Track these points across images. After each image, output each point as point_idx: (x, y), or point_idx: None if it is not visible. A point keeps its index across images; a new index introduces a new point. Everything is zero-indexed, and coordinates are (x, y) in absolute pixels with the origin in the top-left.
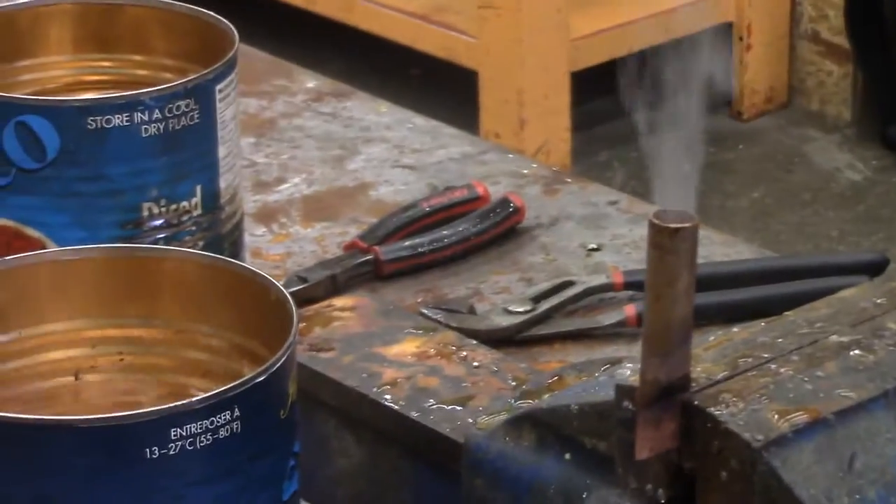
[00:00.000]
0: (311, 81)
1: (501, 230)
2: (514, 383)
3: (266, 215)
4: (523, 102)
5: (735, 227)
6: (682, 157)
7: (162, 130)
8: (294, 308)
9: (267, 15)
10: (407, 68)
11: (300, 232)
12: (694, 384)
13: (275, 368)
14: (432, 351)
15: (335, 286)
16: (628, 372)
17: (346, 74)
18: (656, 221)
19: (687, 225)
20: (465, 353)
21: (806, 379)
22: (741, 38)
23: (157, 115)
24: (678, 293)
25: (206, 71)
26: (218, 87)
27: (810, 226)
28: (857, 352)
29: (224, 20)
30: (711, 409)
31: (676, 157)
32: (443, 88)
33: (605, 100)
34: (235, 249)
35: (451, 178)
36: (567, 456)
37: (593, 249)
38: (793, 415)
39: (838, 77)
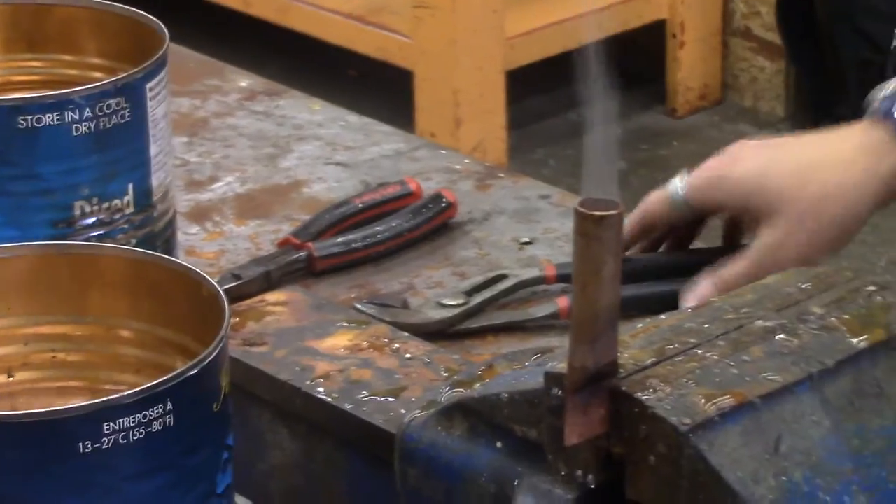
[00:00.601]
0: (243, 81)
1: (434, 225)
2: (446, 374)
3: (200, 214)
4: (459, 102)
5: None
6: (617, 154)
7: (93, 129)
8: (226, 303)
9: (204, 18)
10: (344, 69)
11: (234, 230)
12: (622, 370)
13: (206, 362)
14: (365, 344)
15: (269, 283)
16: (558, 360)
17: (284, 76)
18: (581, 209)
19: (611, 212)
20: (397, 346)
21: (732, 363)
22: (674, 36)
23: (87, 113)
24: (604, 280)
25: (136, 69)
26: (148, 85)
27: None
28: (781, 336)
29: (154, 19)
30: (639, 395)
31: (611, 154)
32: (380, 89)
33: (542, 98)
34: (168, 247)
35: (384, 174)
36: (498, 444)
37: (526, 243)
38: (719, 399)
39: (771, 73)
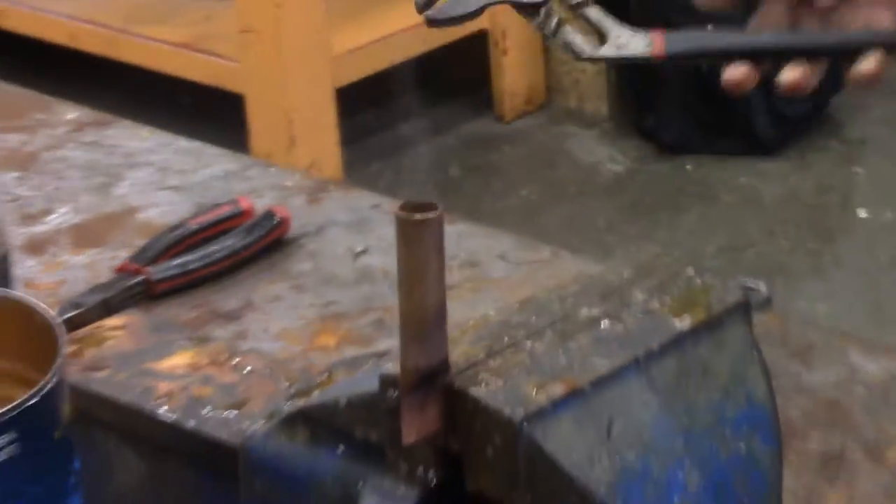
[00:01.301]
0: (70, 113)
1: (268, 241)
2: (287, 384)
3: (35, 246)
4: (291, 121)
5: (507, 224)
6: (450, 161)
7: None
8: (61, 330)
9: (31, 54)
10: (178, 97)
11: (71, 260)
12: (454, 367)
13: (46, 390)
14: (205, 361)
15: (108, 309)
16: (391, 363)
17: (116, 107)
18: (401, 214)
19: (431, 215)
20: (236, 360)
21: (560, 352)
22: (497, 44)
23: None
24: (429, 281)
25: None
26: None
27: (578, 218)
28: (606, 323)
29: None
30: (471, 390)
31: (444, 162)
32: (214, 114)
33: (373, 112)
34: (4, 282)
35: (217, 195)
36: (340, 448)
37: (360, 252)
38: (549, 387)
39: (593, 74)
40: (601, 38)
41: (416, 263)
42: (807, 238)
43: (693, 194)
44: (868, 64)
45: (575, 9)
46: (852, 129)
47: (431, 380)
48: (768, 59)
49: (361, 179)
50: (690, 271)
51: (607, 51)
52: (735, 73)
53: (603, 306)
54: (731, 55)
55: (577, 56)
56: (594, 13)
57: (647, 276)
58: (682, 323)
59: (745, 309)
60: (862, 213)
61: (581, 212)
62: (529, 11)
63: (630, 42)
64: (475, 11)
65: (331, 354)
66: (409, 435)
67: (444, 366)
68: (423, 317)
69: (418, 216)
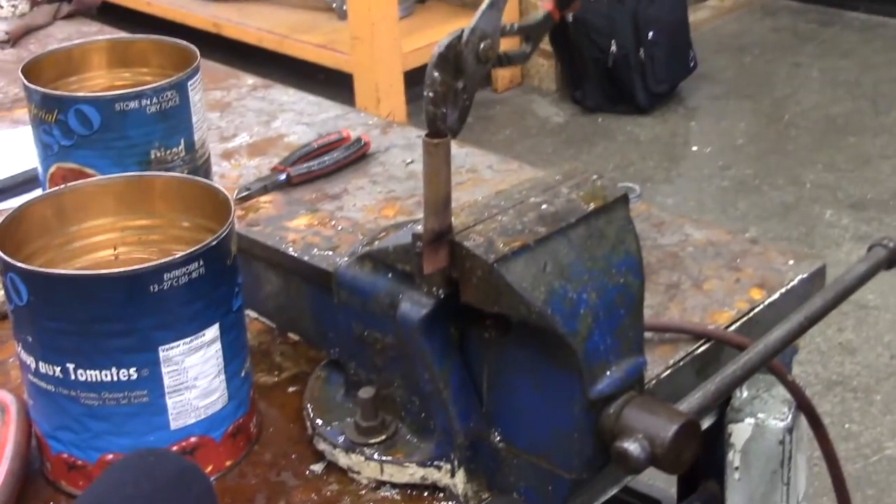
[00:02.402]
0: (250, 80)
1: (357, 155)
2: (361, 237)
3: (227, 155)
4: (378, 89)
5: (495, 149)
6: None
7: (159, 109)
8: (232, 202)
9: (237, 52)
10: (315, 74)
11: (247, 163)
12: (455, 230)
13: (220, 237)
14: (316, 222)
15: (266, 192)
16: (419, 226)
17: (277, 79)
18: (425, 139)
19: (441, 140)
20: (334, 222)
21: (517, 223)
22: None
23: (155, 100)
24: (441, 180)
25: (181, 74)
26: (189, 83)
27: (536, 147)
28: (545, 206)
29: (191, 45)
30: (465, 243)
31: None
32: (336, 84)
33: (419, 88)
34: (206, 174)
35: (329, 128)
36: (389, 275)
37: (410, 162)
38: (510, 243)
39: (548, 67)
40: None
41: (435, 168)
42: (663, 161)
43: (601, 135)
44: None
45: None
46: (690, 100)
47: (441, 237)
48: None
49: (418, 123)
50: (595, 177)
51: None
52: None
53: (543, 196)
54: None
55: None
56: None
57: (569, 179)
58: (589, 207)
59: (625, 199)
60: (693, 148)
61: (538, 144)
62: None
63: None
64: None
65: (389, 221)
66: (427, 268)
67: (448, 229)
68: (436, 200)
69: (435, 140)
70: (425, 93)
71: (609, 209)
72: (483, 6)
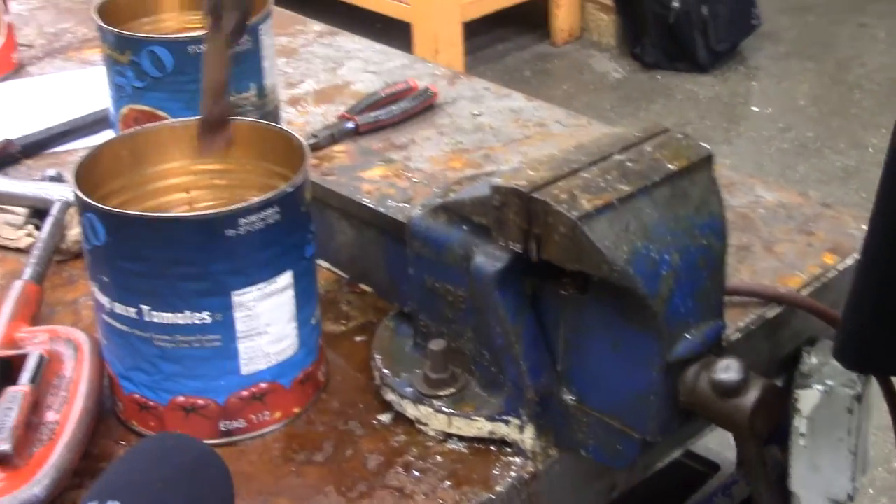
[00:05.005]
0: (317, 27)
1: (424, 105)
2: (436, 189)
3: (293, 101)
4: (437, 39)
5: (556, 104)
6: (524, 67)
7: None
8: (307, 150)
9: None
10: (373, 23)
11: (313, 110)
12: (535, 185)
13: (296, 184)
14: (390, 173)
15: (334, 139)
16: (498, 179)
17: (342, 26)
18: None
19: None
20: (409, 174)
21: (600, 180)
22: (554, 1)
23: None
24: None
25: (254, 19)
26: (260, 27)
27: (594, 103)
28: (629, 164)
29: None
30: (547, 199)
31: (521, 67)
32: (394, 33)
33: (482, 37)
34: (275, 119)
35: (397, 77)
36: (465, 228)
37: (477, 114)
38: (594, 200)
39: (608, 21)
40: None
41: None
42: (721, 121)
43: (660, 93)
44: None
45: None
46: (752, 60)
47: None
48: None
49: (477, 75)
50: (679, 135)
51: None
52: None
53: (626, 153)
54: None
55: None
56: None
57: (651, 136)
58: (673, 166)
59: (709, 159)
60: (754, 108)
61: (596, 99)
62: None
63: None
64: None
65: (457, 172)
66: (204, 151)
67: (226, 113)
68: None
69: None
70: None
71: (694, 169)
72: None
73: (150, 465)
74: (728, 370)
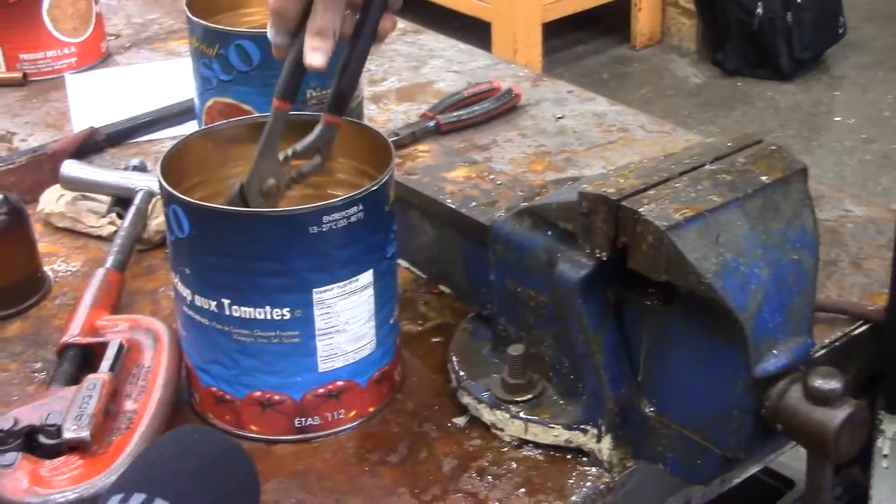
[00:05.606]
0: (400, 24)
1: (507, 106)
2: (520, 192)
3: (376, 98)
4: (516, 39)
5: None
6: (602, 70)
7: None
8: (392, 148)
9: None
10: (452, 21)
11: (395, 108)
12: (622, 193)
13: (381, 182)
14: (474, 175)
15: (415, 138)
16: (587, 185)
17: (419, 23)
18: None
19: None
20: (493, 176)
21: (691, 190)
22: (635, 5)
23: None
24: None
25: None
26: None
27: (673, 108)
28: (720, 175)
29: None
30: (636, 207)
31: (599, 70)
32: (475, 32)
33: (561, 38)
34: (359, 116)
35: (480, 77)
36: (549, 233)
37: (560, 117)
38: (683, 211)
39: (689, 26)
40: None
41: None
42: (803, 130)
43: (740, 100)
44: None
45: None
46: (836, 69)
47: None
48: None
49: (554, 76)
50: (773, 147)
51: None
52: None
53: (718, 164)
54: None
55: None
56: None
57: (743, 147)
58: (767, 178)
59: (804, 172)
60: (837, 118)
61: (674, 105)
62: None
63: None
64: None
65: (539, 175)
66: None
67: None
68: None
69: None
70: None
71: (787, 182)
72: (255, 156)
73: (176, 458)
74: (828, 378)
